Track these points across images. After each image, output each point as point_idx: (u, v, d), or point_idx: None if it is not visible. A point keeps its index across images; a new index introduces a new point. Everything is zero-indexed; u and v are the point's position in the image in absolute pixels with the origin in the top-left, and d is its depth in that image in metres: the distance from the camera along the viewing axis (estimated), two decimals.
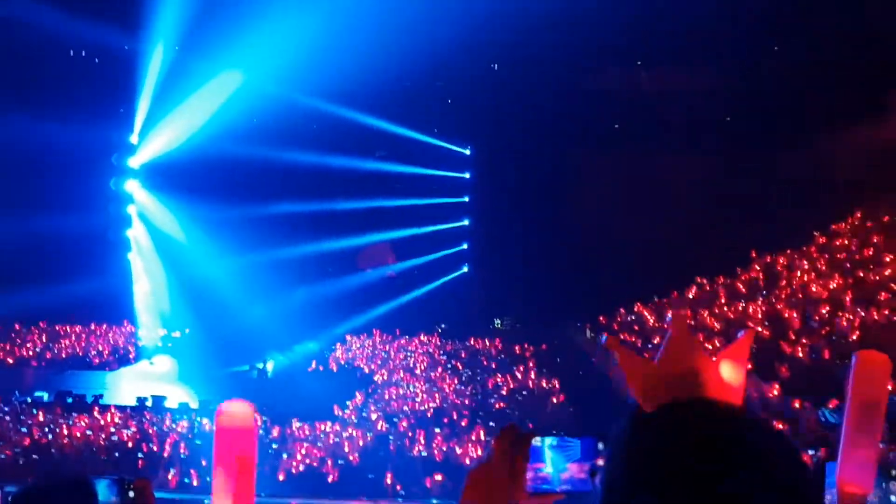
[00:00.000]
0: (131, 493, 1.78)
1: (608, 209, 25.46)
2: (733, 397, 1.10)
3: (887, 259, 18.59)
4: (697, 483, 0.78)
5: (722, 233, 23.02)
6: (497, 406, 18.61)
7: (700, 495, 0.78)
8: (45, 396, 18.31)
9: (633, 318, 23.88)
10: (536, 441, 1.20)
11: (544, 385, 21.19)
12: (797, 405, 11.31)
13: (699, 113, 24.56)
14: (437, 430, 15.66)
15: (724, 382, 1.11)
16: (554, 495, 1.20)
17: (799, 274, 20.69)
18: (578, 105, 24.97)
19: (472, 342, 25.96)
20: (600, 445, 1.22)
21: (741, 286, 21.94)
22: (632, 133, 25.36)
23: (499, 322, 26.73)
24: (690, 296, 23.02)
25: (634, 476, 0.83)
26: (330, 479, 13.45)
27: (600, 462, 1.21)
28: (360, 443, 15.21)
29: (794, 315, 17.51)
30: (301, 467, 13.85)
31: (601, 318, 24.61)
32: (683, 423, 0.85)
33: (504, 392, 20.61)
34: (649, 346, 20.97)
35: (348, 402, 19.17)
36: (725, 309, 20.55)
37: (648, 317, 23.04)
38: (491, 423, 16.40)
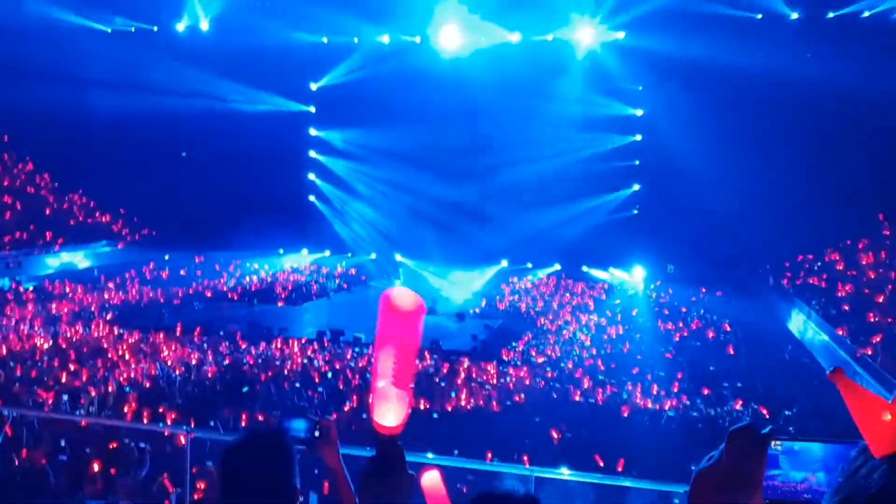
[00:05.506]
0: (317, 433, 1.92)
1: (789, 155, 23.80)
2: None
3: None
4: None
5: None
6: (667, 355, 18.05)
7: None
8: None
9: (820, 264, 22.20)
10: (776, 446, 1.09)
11: (711, 335, 20.30)
12: None
13: None
14: (602, 378, 15.45)
15: None
16: None
17: None
18: None
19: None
20: (853, 453, 0.99)
21: None
22: None
23: (670, 267, 25.74)
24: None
25: None
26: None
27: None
28: (527, 382, 15.28)
29: None
30: (469, 405, 13.98)
31: (786, 263, 23.15)
32: None
33: (675, 339, 19.98)
34: (836, 293, 19.48)
35: (515, 344, 19.33)
36: None
37: (837, 262, 21.34)
38: (660, 373, 15.94)
